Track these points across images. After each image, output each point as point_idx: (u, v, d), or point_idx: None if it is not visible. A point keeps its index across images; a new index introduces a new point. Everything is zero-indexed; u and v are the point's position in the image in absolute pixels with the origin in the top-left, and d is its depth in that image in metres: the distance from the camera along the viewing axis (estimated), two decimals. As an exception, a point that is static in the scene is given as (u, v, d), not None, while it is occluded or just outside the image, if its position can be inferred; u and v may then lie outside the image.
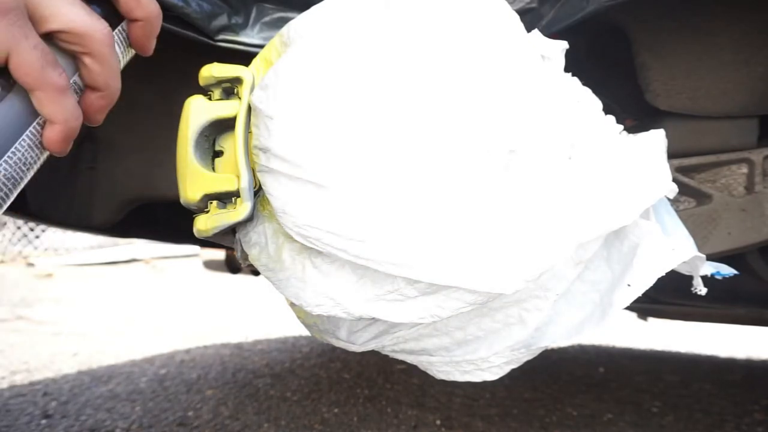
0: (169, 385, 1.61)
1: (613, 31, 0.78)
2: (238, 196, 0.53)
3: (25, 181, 0.40)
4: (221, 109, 0.55)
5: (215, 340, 2.31)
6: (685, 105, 0.80)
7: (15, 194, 0.39)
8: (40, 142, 0.39)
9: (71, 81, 0.39)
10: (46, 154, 0.40)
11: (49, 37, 0.38)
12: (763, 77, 0.77)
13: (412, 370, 1.78)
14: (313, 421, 1.36)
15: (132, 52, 0.47)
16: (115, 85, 0.41)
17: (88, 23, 0.38)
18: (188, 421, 1.33)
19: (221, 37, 0.68)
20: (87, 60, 0.39)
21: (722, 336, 2.72)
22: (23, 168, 0.38)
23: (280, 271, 0.53)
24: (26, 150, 0.38)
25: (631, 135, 0.59)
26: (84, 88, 0.41)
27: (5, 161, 0.37)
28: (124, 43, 0.44)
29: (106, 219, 1.01)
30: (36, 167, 0.40)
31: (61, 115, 0.37)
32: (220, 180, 0.53)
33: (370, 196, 0.46)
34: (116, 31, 0.42)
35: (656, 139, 0.59)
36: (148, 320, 2.79)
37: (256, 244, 0.55)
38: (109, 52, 0.39)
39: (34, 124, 0.38)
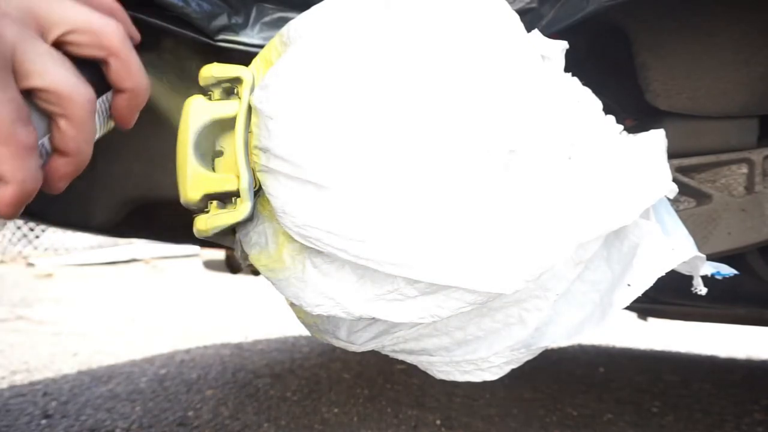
0: (169, 385, 1.61)
1: (613, 31, 0.78)
2: (238, 196, 0.53)
3: None
4: (221, 109, 0.55)
5: (215, 340, 2.31)
6: (685, 105, 0.80)
7: None
8: None
9: (41, 141, 0.36)
10: None
11: (29, 94, 0.35)
12: (763, 77, 0.77)
13: (412, 370, 1.78)
14: (313, 421, 1.36)
15: (111, 125, 0.44)
16: (87, 152, 0.39)
17: (72, 86, 0.36)
18: (188, 421, 1.33)
19: (221, 37, 0.68)
20: (62, 123, 0.36)
21: (722, 336, 2.73)
22: None
23: (280, 271, 0.53)
24: None
25: (631, 135, 0.59)
26: (51, 153, 0.38)
27: None
28: (105, 113, 0.42)
29: (106, 219, 1.01)
30: None
31: (20, 175, 0.34)
32: (220, 180, 0.54)
33: (370, 196, 0.46)
34: (100, 99, 0.40)
35: (656, 139, 0.59)
36: (148, 320, 2.79)
37: (256, 244, 0.55)
38: (88, 119, 0.37)
39: None
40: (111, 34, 0.39)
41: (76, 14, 0.37)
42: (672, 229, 0.60)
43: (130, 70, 0.40)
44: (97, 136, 0.42)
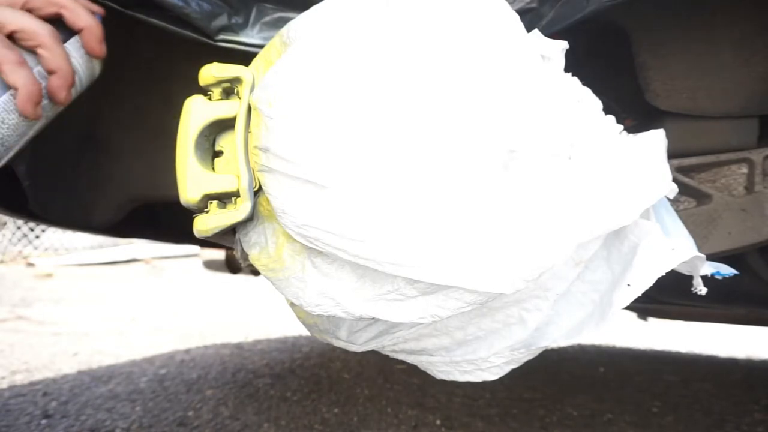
0: (169, 385, 1.61)
1: (613, 31, 0.78)
2: (238, 196, 0.53)
3: (13, 144, 0.53)
4: (221, 109, 0.55)
5: (215, 340, 2.31)
6: (685, 105, 0.80)
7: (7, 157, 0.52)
8: (14, 106, 0.52)
9: (36, 69, 0.53)
10: (25, 122, 0.53)
11: (12, 39, 0.52)
12: (763, 77, 0.77)
13: (412, 370, 1.78)
14: (313, 421, 1.36)
15: (93, 61, 0.60)
16: (66, 68, 0.54)
17: (35, 24, 0.52)
18: (188, 421, 1.33)
19: (221, 37, 0.68)
20: (40, 51, 0.52)
21: (722, 336, 2.73)
22: (6, 130, 0.52)
23: (280, 271, 0.53)
24: (4, 112, 0.52)
25: (631, 135, 0.59)
26: (47, 75, 0.54)
27: None
28: (81, 51, 0.57)
29: (106, 219, 1.01)
30: (19, 133, 0.53)
31: (21, 80, 0.51)
32: (220, 180, 0.54)
33: (369, 196, 0.46)
34: (72, 40, 0.57)
35: (656, 139, 0.59)
36: (148, 320, 2.79)
37: (256, 244, 0.55)
38: (55, 43, 0.53)
39: (7, 94, 0.52)
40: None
41: None
42: (672, 229, 0.60)
43: (79, 15, 0.56)
44: (83, 67, 0.58)
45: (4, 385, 1.59)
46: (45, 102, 0.54)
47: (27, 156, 0.86)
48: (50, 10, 0.54)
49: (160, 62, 0.91)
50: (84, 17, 0.56)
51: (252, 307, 3.27)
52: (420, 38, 0.49)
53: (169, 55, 0.89)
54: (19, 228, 5.02)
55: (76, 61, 0.57)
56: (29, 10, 0.54)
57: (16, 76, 0.51)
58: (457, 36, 0.49)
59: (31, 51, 0.53)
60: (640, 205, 0.53)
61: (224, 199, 0.54)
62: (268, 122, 0.49)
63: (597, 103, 0.58)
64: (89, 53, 0.58)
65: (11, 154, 0.54)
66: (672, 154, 0.67)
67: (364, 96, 0.47)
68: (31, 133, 0.55)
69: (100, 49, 0.58)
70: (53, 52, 0.53)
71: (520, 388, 1.70)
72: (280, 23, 0.65)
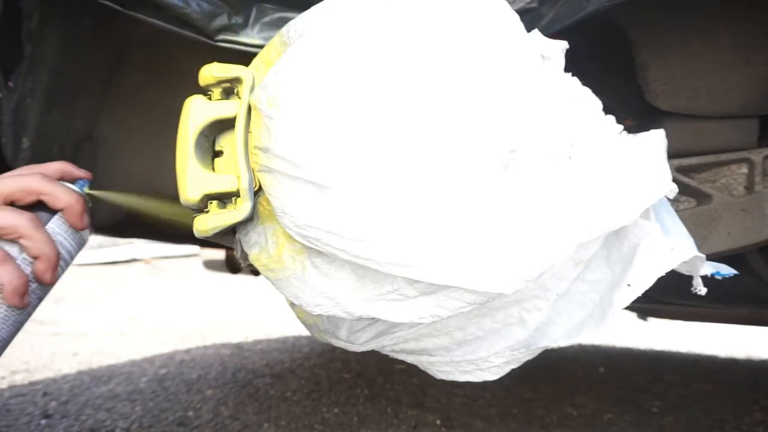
0: (169, 385, 1.61)
1: (613, 31, 0.78)
2: (238, 196, 0.53)
3: (7, 336, 0.55)
4: (221, 109, 0.55)
5: (215, 340, 2.31)
6: (685, 105, 0.80)
7: None
8: (2, 300, 0.53)
9: (21, 257, 0.54)
10: (14, 311, 0.54)
11: None
12: (763, 77, 0.77)
13: (412, 370, 1.78)
14: (313, 421, 1.36)
15: (80, 234, 0.61)
16: (49, 251, 0.55)
17: (13, 218, 0.53)
18: (188, 421, 1.33)
19: (221, 37, 0.68)
20: (22, 241, 0.54)
21: (722, 336, 2.73)
22: None
23: (280, 271, 0.53)
24: None
25: (631, 135, 0.59)
26: (32, 261, 0.55)
27: None
28: (64, 225, 0.59)
29: (106, 219, 1.01)
30: (10, 324, 0.55)
31: (6, 276, 0.52)
32: (220, 180, 0.54)
33: (370, 197, 0.46)
34: (55, 218, 0.58)
35: (656, 139, 0.59)
36: (148, 320, 2.79)
37: (256, 244, 0.55)
38: (35, 231, 0.54)
39: None
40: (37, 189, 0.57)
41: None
42: (672, 229, 0.60)
43: (58, 197, 0.57)
44: (71, 242, 0.59)
45: (4, 385, 1.59)
46: (34, 286, 0.56)
47: (27, 156, 0.86)
48: (30, 198, 0.57)
49: (160, 62, 0.91)
50: (63, 198, 0.58)
51: (252, 307, 3.28)
52: (420, 38, 0.49)
53: (168, 55, 0.89)
54: (19, 228, 5.02)
55: (62, 236, 0.58)
56: (11, 203, 0.56)
57: (1, 274, 0.52)
58: (457, 36, 0.49)
59: (15, 241, 0.55)
60: (640, 205, 0.53)
61: (224, 199, 0.54)
62: (269, 122, 0.49)
63: (597, 103, 0.58)
64: (74, 227, 0.61)
65: (6, 345, 0.56)
66: (672, 154, 0.67)
67: (364, 96, 0.47)
68: (24, 317, 0.57)
69: (83, 222, 0.61)
70: (35, 239, 0.54)
71: (520, 388, 1.70)
72: (280, 23, 0.65)
